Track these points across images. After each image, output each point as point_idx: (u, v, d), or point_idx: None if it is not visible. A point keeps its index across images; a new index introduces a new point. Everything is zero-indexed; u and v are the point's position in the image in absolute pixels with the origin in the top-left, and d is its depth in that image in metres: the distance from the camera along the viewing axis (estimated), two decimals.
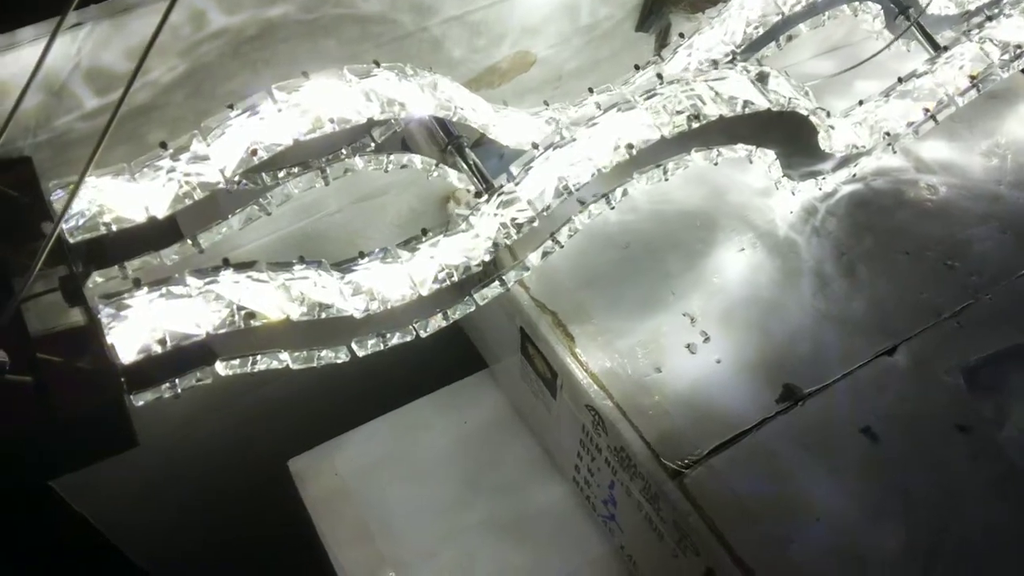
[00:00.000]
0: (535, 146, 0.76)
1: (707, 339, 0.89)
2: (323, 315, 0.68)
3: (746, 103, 0.77)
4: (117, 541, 1.06)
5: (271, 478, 1.05)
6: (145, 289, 0.62)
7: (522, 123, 0.84)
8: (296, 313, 0.66)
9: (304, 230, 0.94)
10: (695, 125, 0.75)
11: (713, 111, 0.76)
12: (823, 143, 0.93)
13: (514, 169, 0.76)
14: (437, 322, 0.78)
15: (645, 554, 0.92)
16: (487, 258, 0.74)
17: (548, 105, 0.89)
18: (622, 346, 0.88)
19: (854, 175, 1.04)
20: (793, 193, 0.99)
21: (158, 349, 0.60)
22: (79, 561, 1.11)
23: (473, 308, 0.78)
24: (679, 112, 0.75)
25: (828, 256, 0.97)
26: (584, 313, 0.91)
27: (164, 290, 0.62)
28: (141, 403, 0.63)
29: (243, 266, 0.65)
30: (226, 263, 0.65)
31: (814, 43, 1.22)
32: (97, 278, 0.69)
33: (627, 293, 0.93)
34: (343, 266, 0.72)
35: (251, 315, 0.63)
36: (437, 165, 0.81)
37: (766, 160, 0.90)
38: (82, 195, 0.66)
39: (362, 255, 0.72)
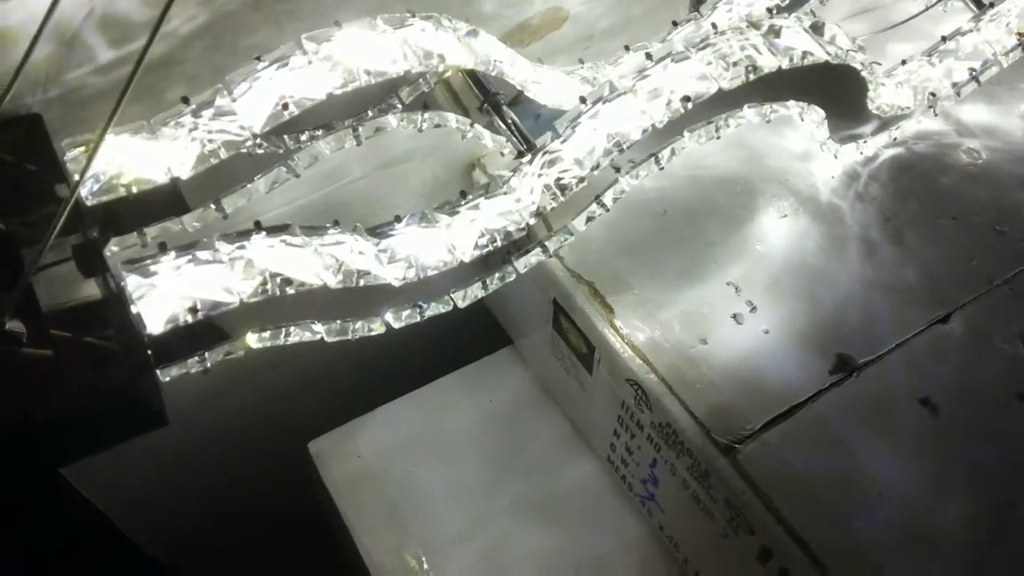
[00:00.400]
0: (583, 100, 0.71)
1: (753, 309, 0.85)
2: (360, 283, 0.63)
3: (805, 54, 0.73)
4: (126, 528, 1.01)
5: (290, 460, 1.01)
6: (172, 254, 0.57)
7: (560, 82, 0.79)
8: (333, 281, 0.61)
9: (326, 198, 0.89)
10: (751, 78, 0.70)
11: (770, 63, 0.71)
12: (870, 102, 0.89)
13: (559, 126, 0.71)
14: (475, 291, 0.73)
15: (689, 534, 0.88)
16: (532, 221, 0.69)
17: (583, 63, 0.85)
18: (664, 317, 0.84)
19: (895, 139, 1.00)
20: (836, 156, 0.95)
21: (188, 319, 0.55)
22: (87, 550, 1.06)
23: (514, 277, 0.74)
24: (735, 64, 0.70)
25: (873, 222, 0.93)
26: (623, 283, 0.86)
27: (192, 255, 0.57)
28: (167, 379, 0.59)
29: (276, 229, 0.61)
30: (258, 226, 0.60)
31: (846, 4, 1.18)
32: (113, 247, 0.64)
33: (667, 262, 0.88)
34: (378, 231, 0.67)
35: (287, 281, 0.59)
36: (471, 125, 0.76)
37: (815, 119, 0.86)
38: (99, 155, 0.61)
39: (398, 219, 0.68)
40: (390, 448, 1.01)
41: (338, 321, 0.66)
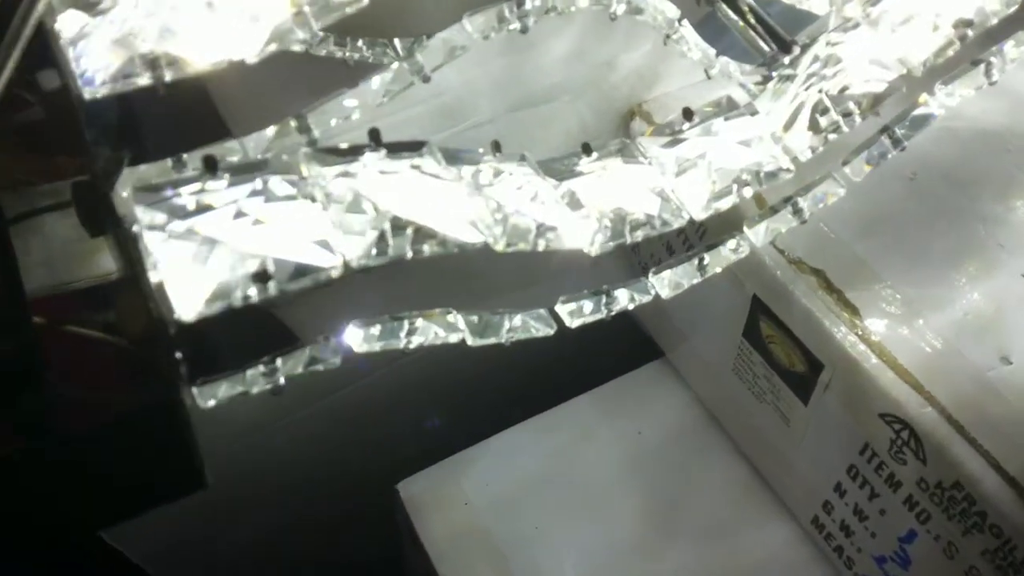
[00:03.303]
0: None
1: None
2: (540, 244, 0.37)
3: None
4: None
5: (369, 505, 0.75)
6: (224, 179, 0.31)
7: None
8: (499, 237, 0.35)
9: (441, 147, 0.63)
10: None
11: None
12: None
13: (832, 19, 0.45)
14: (686, 275, 0.47)
15: None
16: (802, 157, 0.42)
17: None
18: (938, 322, 0.57)
19: None
20: None
21: (252, 294, 0.29)
22: None
23: (746, 252, 0.48)
24: None
25: None
26: (868, 271, 0.60)
27: (259, 183, 0.32)
28: (211, 403, 0.33)
29: (403, 147, 0.35)
30: (375, 139, 0.34)
31: None
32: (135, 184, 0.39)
33: (930, 243, 0.61)
34: (554, 167, 0.41)
35: (429, 235, 0.33)
36: (680, 22, 0.50)
37: None
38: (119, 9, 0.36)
39: (588, 149, 0.41)
40: (508, 493, 0.74)
41: (484, 315, 0.40)
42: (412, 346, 0.38)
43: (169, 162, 0.36)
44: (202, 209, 0.30)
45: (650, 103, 0.72)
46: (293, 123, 0.42)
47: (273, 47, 0.38)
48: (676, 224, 0.41)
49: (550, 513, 0.73)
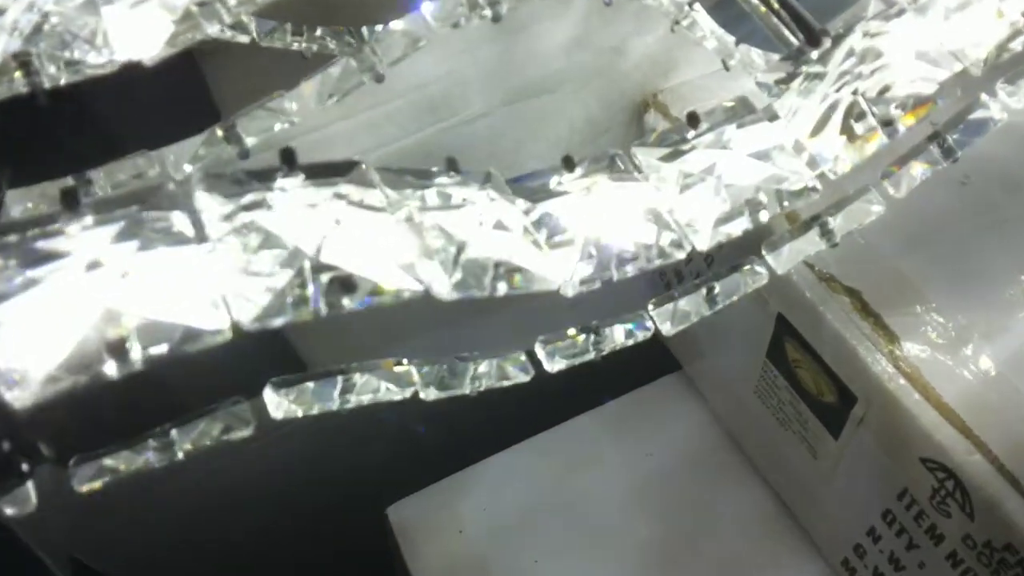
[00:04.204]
0: None
1: None
2: (500, 288, 0.30)
3: None
4: None
5: (358, 531, 0.70)
6: (88, 219, 0.25)
7: None
8: (445, 283, 0.28)
9: (424, 146, 0.56)
10: None
11: None
12: None
13: (873, 5, 0.37)
14: (694, 307, 0.40)
15: None
16: (831, 173, 0.35)
17: None
18: (993, 354, 0.49)
19: None
20: None
21: (105, 373, 0.23)
22: None
23: (764, 280, 0.40)
24: None
25: None
26: (911, 293, 0.52)
27: (131, 223, 0.25)
28: (85, 488, 0.27)
29: (327, 171, 0.28)
30: (287, 161, 0.27)
31: None
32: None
33: (984, 258, 0.53)
34: (526, 185, 0.34)
35: (345, 285, 0.26)
36: (691, 5, 0.42)
37: None
38: None
39: (570, 163, 0.34)
40: (504, 522, 0.68)
41: (443, 366, 0.33)
42: (349, 406, 0.32)
43: (37, 188, 0.30)
44: (49, 257, 0.24)
45: (666, 93, 0.64)
46: (220, 132, 0.35)
47: (185, 40, 0.31)
48: (676, 257, 0.34)
49: (550, 544, 0.67)
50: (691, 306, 0.39)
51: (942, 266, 0.53)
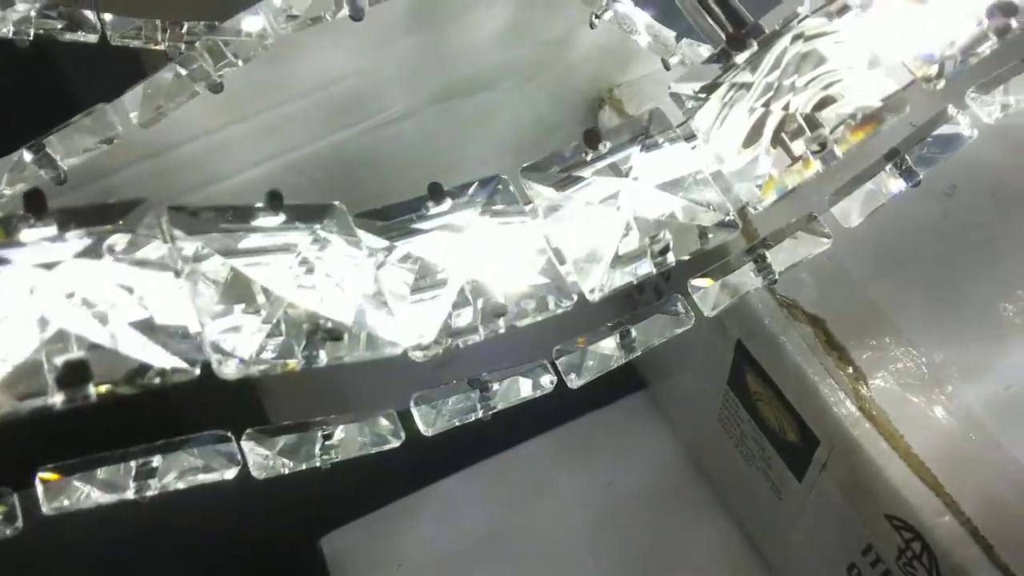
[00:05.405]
0: None
1: None
2: (319, 358, 0.24)
3: None
4: None
5: (288, 564, 0.65)
6: None
7: None
8: (231, 366, 0.22)
9: (340, 151, 0.50)
10: None
11: None
12: None
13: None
14: (607, 355, 0.34)
15: None
16: (755, 206, 0.29)
17: None
18: (972, 397, 0.43)
19: None
20: None
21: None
22: None
23: (691, 324, 0.34)
24: None
25: None
26: (882, 323, 0.45)
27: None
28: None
29: (74, 218, 0.22)
30: (33, 208, 0.22)
31: None
32: None
33: (968, 285, 0.46)
34: (392, 219, 0.28)
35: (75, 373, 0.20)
36: None
37: None
38: None
39: (438, 192, 0.28)
40: (447, 554, 0.63)
41: (281, 440, 0.28)
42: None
43: None
44: None
45: (623, 88, 0.58)
46: (28, 156, 0.29)
47: None
48: (560, 309, 0.28)
49: None
50: (598, 358, 0.33)
51: (918, 292, 0.46)
